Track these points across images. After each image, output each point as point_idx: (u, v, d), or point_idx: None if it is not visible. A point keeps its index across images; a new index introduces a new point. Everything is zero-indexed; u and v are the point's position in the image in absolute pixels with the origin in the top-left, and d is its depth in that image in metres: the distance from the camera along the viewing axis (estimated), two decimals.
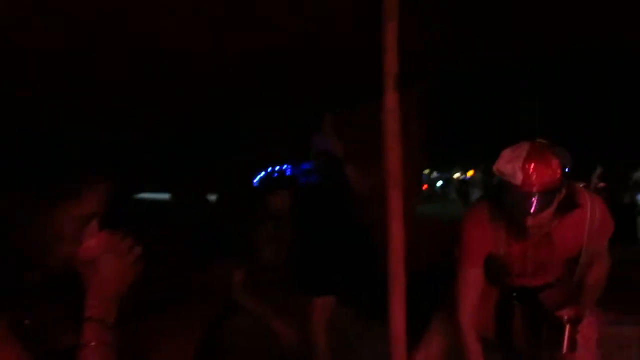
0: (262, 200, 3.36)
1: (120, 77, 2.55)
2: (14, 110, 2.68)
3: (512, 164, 1.98)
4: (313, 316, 3.36)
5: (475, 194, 17.14)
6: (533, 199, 1.96)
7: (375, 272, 3.52)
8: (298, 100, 4.84)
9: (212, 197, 7.58)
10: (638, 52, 5.91)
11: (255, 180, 3.78)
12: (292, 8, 2.30)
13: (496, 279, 2.37)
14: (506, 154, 2.03)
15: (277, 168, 3.90)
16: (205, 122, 5.52)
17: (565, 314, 2.17)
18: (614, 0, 3.30)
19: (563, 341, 2.13)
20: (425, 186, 29.89)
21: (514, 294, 2.40)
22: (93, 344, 1.22)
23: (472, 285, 2.27)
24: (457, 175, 27.90)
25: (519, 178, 1.96)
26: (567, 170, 2.02)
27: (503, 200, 2.07)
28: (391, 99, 1.71)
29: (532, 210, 1.99)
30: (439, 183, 29.63)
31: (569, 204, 2.06)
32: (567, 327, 2.13)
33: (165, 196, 8.17)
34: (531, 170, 1.95)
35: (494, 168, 2.06)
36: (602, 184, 11.20)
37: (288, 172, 3.81)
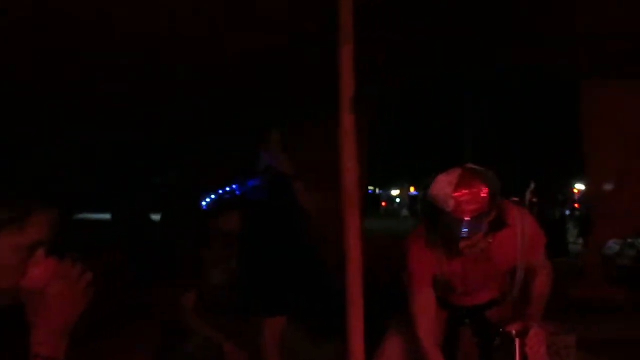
0: (213, 221, 3.32)
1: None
2: None
3: (444, 191, 2.08)
4: (264, 336, 3.32)
5: None
6: (463, 224, 2.07)
7: (324, 289, 3.54)
8: (246, 113, 4.84)
9: (155, 216, 7.41)
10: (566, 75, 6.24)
11: (204, 202, 3.73)
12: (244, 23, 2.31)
13: (443, 299, 2.44)
14: (440, 179, 2.12)
15: (227, 189, 3.86)
16: (145, 135, 5.42)
17: (514, 328, 2.24)
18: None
19: (515, 356, 2.20)
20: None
21: (463, 314, 2.47)
22: None
23: (424, 306, 2.33)
24: (396, 192, 28.43)
25: (450, 205, 2.07)
26: (495, 194, 2.11)
27: (437, 223, 2.17)
28: (347, 121, 1.75)
29: (462, 236, 2.11)
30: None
31: (499, 223, 2.17)
32: (517, 340, 2.21)
33: (105, 216, 7.92)
34: (461, 197, 2.06)
35: (430, 193, 2.14)
36: (534, 199, 11.67)
37: (237, 192, 3.78)
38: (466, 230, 2.09)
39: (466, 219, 2.06)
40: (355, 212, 1.74)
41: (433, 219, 2.17)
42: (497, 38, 4.41)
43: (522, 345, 2.20)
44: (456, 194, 2.05)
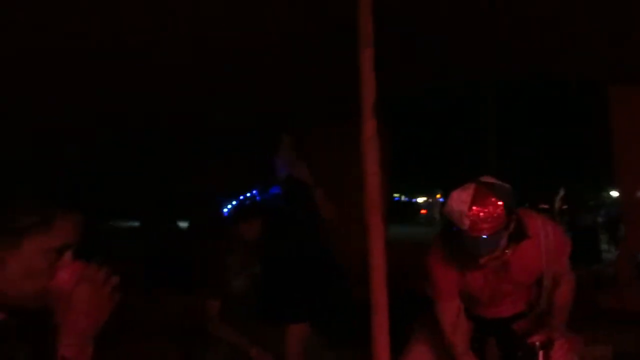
0: (235, 228, 3.32)
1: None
2: None
3: (459, 209, 2.02)
4: (288, 343, 3.31)
5: None
6: (481, 242, 2.02)
7: (344, 297, 3.52)
8: (270, 118, 4.84)
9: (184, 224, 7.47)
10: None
11: (225, 209, 3.72)
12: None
13: (469, 310, 2.41)
14: (454, 196, 2.05)
15: (248, 195, 3.85)
16: (170, 141, 5.47)
17: (537, 339, 2.20)
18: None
19: None
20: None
21: (488, 325, 2.43)
22: None
23: (454, 315, 2.31)
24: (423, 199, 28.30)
25: (465, 224, 2.00)
26: (511, 207, 2.04)
27: (455, 239, 2.11)
28: (370, 127, 1.72)
29: (480, 253, 2.05)
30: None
31: (519, 235, 2.11)
32: (541, 353, 2.16)
33: (134, 224, 8.02)
34: (476, 216, 1.99)
35: (445, 210, 2.10)
36: (564, 206, 11.47)
37: (258, 198, 3.77)
38: (483, 247, 2.03)
39: (484, 237, 2.00)
40: (379, 218, 1.71)
41: (451, 236, 2.12)
42: (525, 44, 4.36)
43: (547, 358, 2.15)
44: (471, 212, 1.99)
